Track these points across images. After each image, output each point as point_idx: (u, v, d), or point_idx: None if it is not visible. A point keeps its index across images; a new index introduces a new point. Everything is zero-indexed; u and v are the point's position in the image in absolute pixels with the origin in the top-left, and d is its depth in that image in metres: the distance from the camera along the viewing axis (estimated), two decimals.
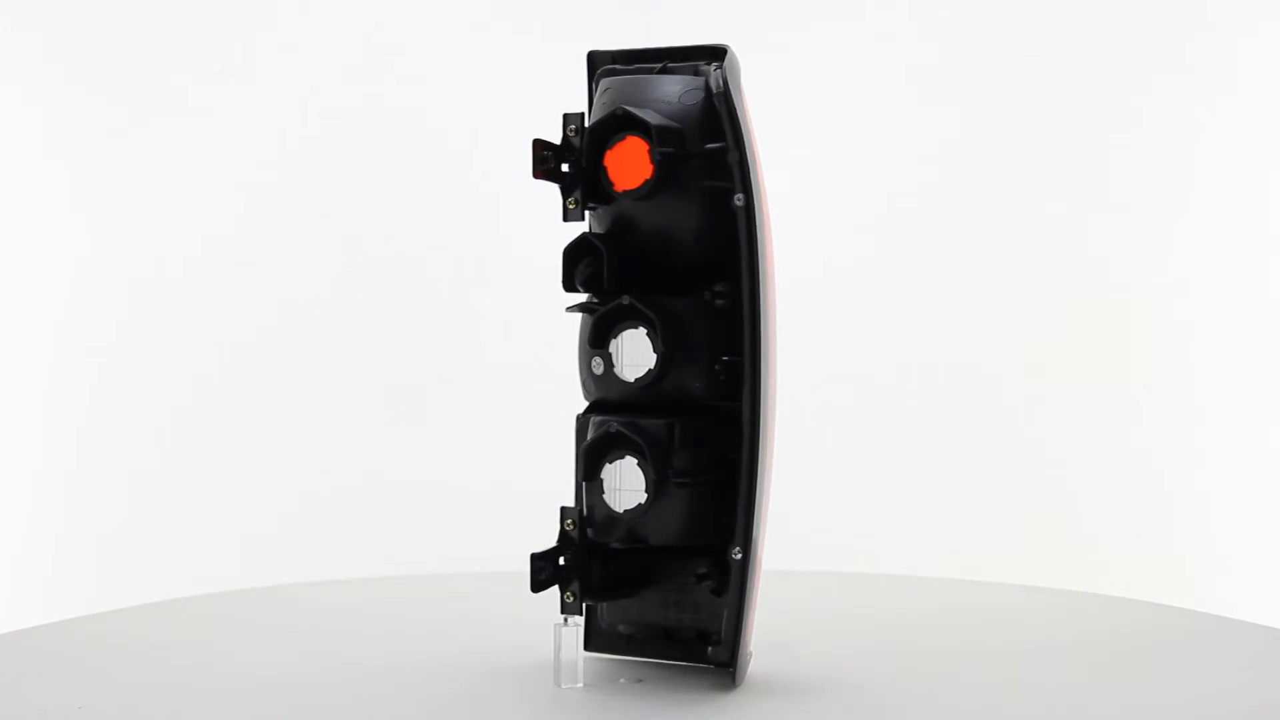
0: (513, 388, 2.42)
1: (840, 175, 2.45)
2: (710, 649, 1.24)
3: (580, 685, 1.22)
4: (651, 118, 1.18)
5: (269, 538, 2.42)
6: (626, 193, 1.19)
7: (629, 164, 1.19)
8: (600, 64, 1.26)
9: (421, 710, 1.18)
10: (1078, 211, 2.46)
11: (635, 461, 1.19)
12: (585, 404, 1.26)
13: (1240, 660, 1.36)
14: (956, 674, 1.29)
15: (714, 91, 1.20)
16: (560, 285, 1.23)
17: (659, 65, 1.23)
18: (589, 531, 1.21)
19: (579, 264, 1.21)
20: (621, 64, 1.25)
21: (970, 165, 2.46)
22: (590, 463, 1.20)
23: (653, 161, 1.18)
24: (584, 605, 1.22)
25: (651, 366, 1.20)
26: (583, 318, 1.24)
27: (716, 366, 1.21)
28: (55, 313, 2.47)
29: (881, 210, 2.46)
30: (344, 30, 2.47)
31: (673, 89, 1.21)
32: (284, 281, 2.45)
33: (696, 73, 1.22)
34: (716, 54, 1.22)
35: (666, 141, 1.18)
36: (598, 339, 1.21)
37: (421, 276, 2.46)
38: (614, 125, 1.19)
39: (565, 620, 1.22)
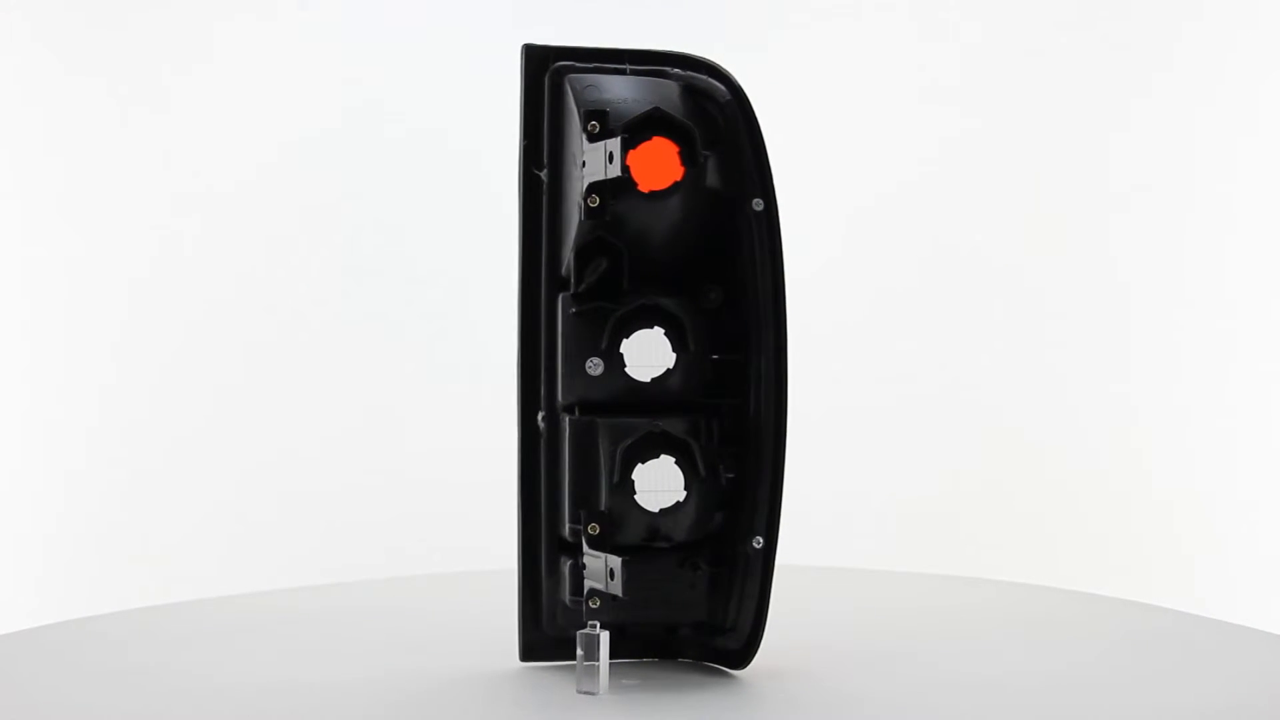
0: (512, 387, 2.41)
1: (838, 176, 2.45)
2: (719, 638, 1.25)
3: (602, 692, 1.21)
4: (688, 121, 1.19)
5: (269, 538, 2.42)
6: (652, 193, 1.19)
7: (655, 164, 1.19)
8: (540, 57, 1.25)
9: (427, 712, 1.18)
10: (1078, 212, 2.46)
11: (673, 461, 1.20)
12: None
13: (1240, 662, 1.36)
14: (955, 673, 1.29)
15: (721, 100, 1.21)
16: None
17: (623, 65, 1.24)
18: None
19: (589, 264, 1.22)
20: (577, 61, 1.25)
21: (969, 165, 2.46)
22: (626, 464, 1.20)
23: (686, 164, 1.18)
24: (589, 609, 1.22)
25: (670, 366, 1.21)
26: (567, 318, 1.23)
27: (708, 364, 1.22)
28: (56, 314, 2.46)
29: (880, 210, 2.46)
30: (344, 30, 2.47)
31: (671, 92, 1.22)
32: (284, 281, 2.45)
33: (676, 76, 1.23)
34: (673, 59, 1.23)
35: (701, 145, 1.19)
36: (614, 339, 1.22)
37: (422, 276, 2.46)
38: (649, 125, 1.19)
39: (594, 627, 1.21)
